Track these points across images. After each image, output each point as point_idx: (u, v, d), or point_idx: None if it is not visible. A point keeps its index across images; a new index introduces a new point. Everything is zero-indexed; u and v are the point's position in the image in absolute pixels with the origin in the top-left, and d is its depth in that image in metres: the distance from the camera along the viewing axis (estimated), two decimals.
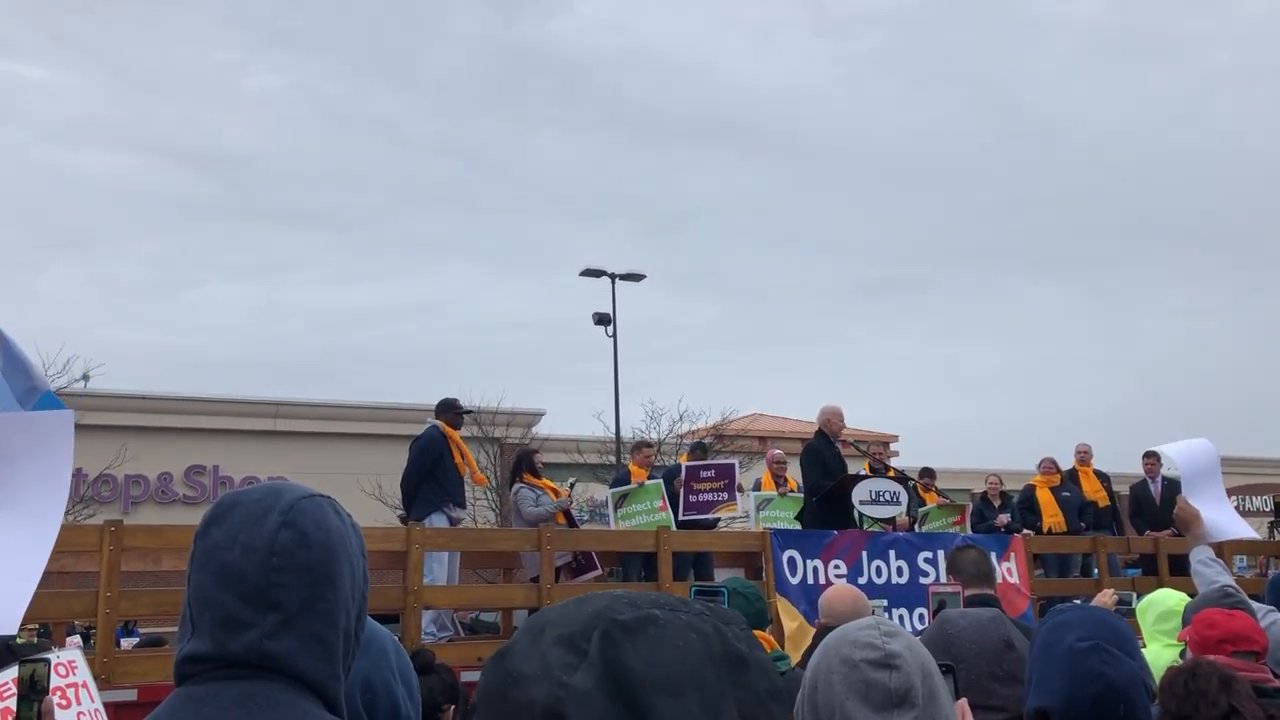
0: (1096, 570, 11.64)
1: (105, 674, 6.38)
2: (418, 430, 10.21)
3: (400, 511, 10.58)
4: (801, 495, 11.26)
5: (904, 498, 10.70)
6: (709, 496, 11.23)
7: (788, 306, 61.59)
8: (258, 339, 51.40)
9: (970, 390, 64.25)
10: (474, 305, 56.93)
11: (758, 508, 11.60)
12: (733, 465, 11.79)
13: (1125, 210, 66.22)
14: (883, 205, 64.43)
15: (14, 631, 3.86)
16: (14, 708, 2.52)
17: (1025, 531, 12.33)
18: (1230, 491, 6.50)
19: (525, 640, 1.00)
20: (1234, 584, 4.54)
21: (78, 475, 21.59)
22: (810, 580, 9.30)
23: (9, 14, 44.15)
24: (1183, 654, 4.10)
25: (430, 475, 9.70)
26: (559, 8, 61.52)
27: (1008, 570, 10.28)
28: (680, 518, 10.91)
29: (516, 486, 10.43)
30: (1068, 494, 12.93)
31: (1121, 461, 16.03)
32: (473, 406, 15.03)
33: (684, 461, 12.26)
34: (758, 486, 12.32)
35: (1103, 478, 13.62)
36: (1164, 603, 5.18)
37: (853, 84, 66.05)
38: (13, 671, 3.09)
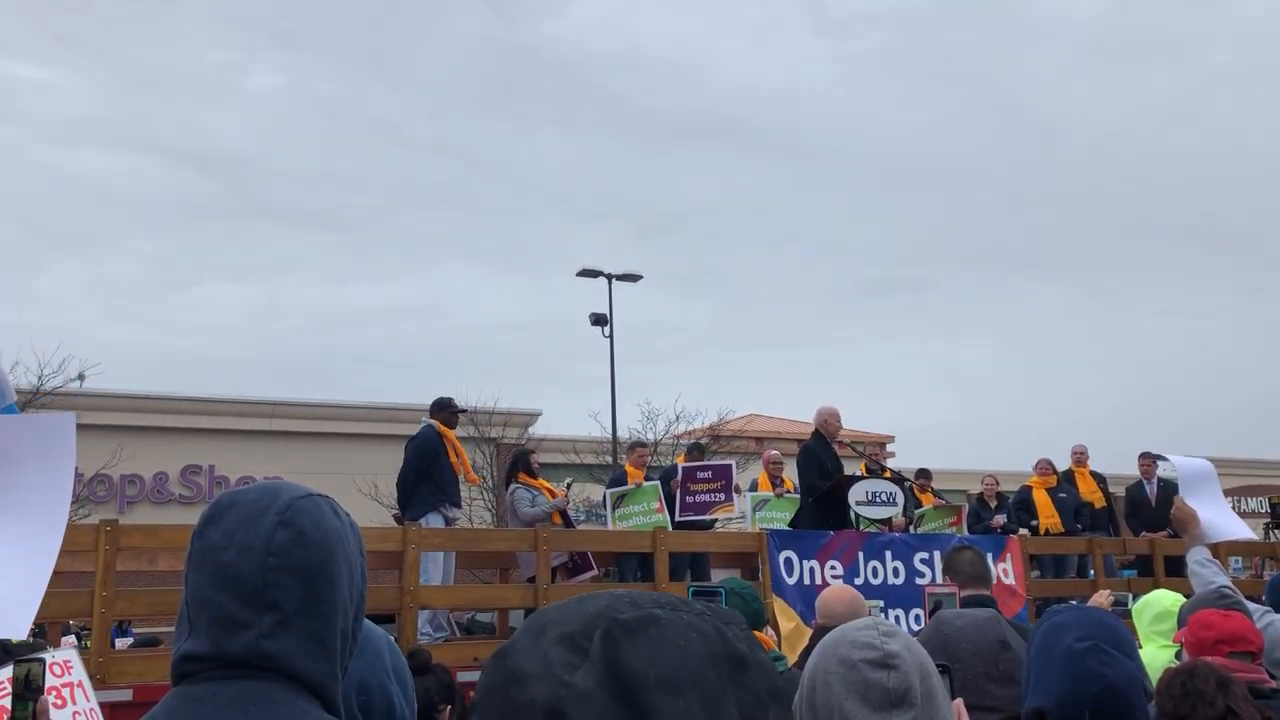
0: (1092, 571, 11.65)
1: (101, 674, 6.37)
2: (414, 430, 10.19)
3: (395, 511, 10.57)
4: (798, 496, 11.26)
5: (900, 499, 10.70)
6: (706, 497, 11.23)
7: (785, 307, 61.69)
8: (257, 339, 51.42)
9: (967, 391, 64.39)
10: (472, 305, 57.00)
11: (754, 508, 11.61)
12: (729, 466, 11.79)
13: (1125, 210, 66.40)
14: (882, 205, 64.55)
15: (24, 637, 3.85)
16: (9, 707, 2.51)
17: (1022, 531, 12.34)
18: (1227, 493, 6.52)
19: (526, 639, 1.00)
20: (1231, 585, 4.54)
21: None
22: (806, 581, 9.30)
23: (8, 14, 44.12)
24: (1178, 655, 4.11)
25: (426, 475, 9.69)
26: (558, 8, 61.56)
27: (1004, 571, 10.28)
28: (677, 518, 10.91)
29: (513, 487, 10.43)
30: (1064, 495, 12.95)
31: (1120, 462, 16.06)
32: (468, 406, 15.02)
33: (681, 462, 12.26)
34: (754, 487, 12.33)
35: (1099, 479, 13.64)
36: (1160, 603, 5.19)
37: (852, 84, 66.15)
38: (8, 671, 3.09)
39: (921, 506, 12.57)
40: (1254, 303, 65.65)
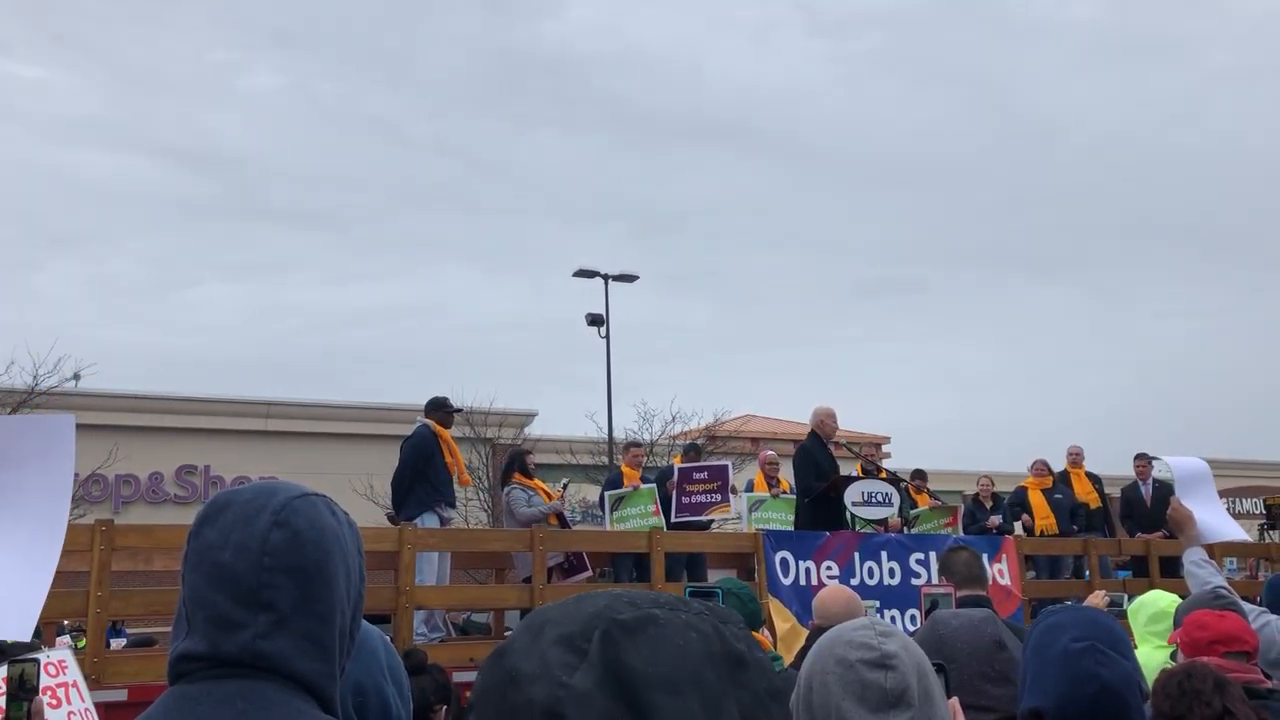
0: (1088, 572, 11.66)
1: (96, 674, 6.35)
2: (409, 430, 10.17)
3: (389, 510, 10.55)
4: (794, 496, 11.26)
5: (896, 499, 10.70)
6: (702, 498, 11.24)
7: (783, 307, 61.77)
8: (255, 339, 51.41)
9: (963, 391, 64.48)
10: (470, 306, 57.03)
11: (750, 509, 11.61)
12: (726, 467, 11.80)
13: (1123, 211, 66.53)
14: (880, 206, 64.65)
15: (27, 638, 3.85)
16: (3, 707, 2.50)
17: (1018, 531, 12.34)
18: (1222, 494, 6.54)
19: (524, 638, 1.00)
20: (1226, 585, 4.54)
21: None
22: (803, 581, 9.30)
23: (7, 13, 44.08)
24: (1173, 655, 4.11)
25: (422, 475, 9.67)
26: (556, 9, 61.57)
27: (999, 572, 10.29)
28: (673, 519, 10.92)
29: (509, 487, 10.42)
30: (1059, 496, 12.96)
31: (1116, 463, 16.06)
32: (464, 406, 15.00)
33: (678, 463, 12.26)
34: (750, 488, 12.33)
35: (1094, 479, 13.66)
36: (1155, 604, 5.19)
37: (850, 84, 66.24)
38: (2, 670, 3.08)
39: (917, 507, 12.58)
40: (1253, 303, 65.83)
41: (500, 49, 58.00)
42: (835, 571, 9.48)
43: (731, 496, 11.46)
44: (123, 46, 51.66)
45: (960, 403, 63.48)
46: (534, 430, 30.85)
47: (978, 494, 13.69)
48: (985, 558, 9.26)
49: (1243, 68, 66.93)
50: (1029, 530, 12.85)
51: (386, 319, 53.24)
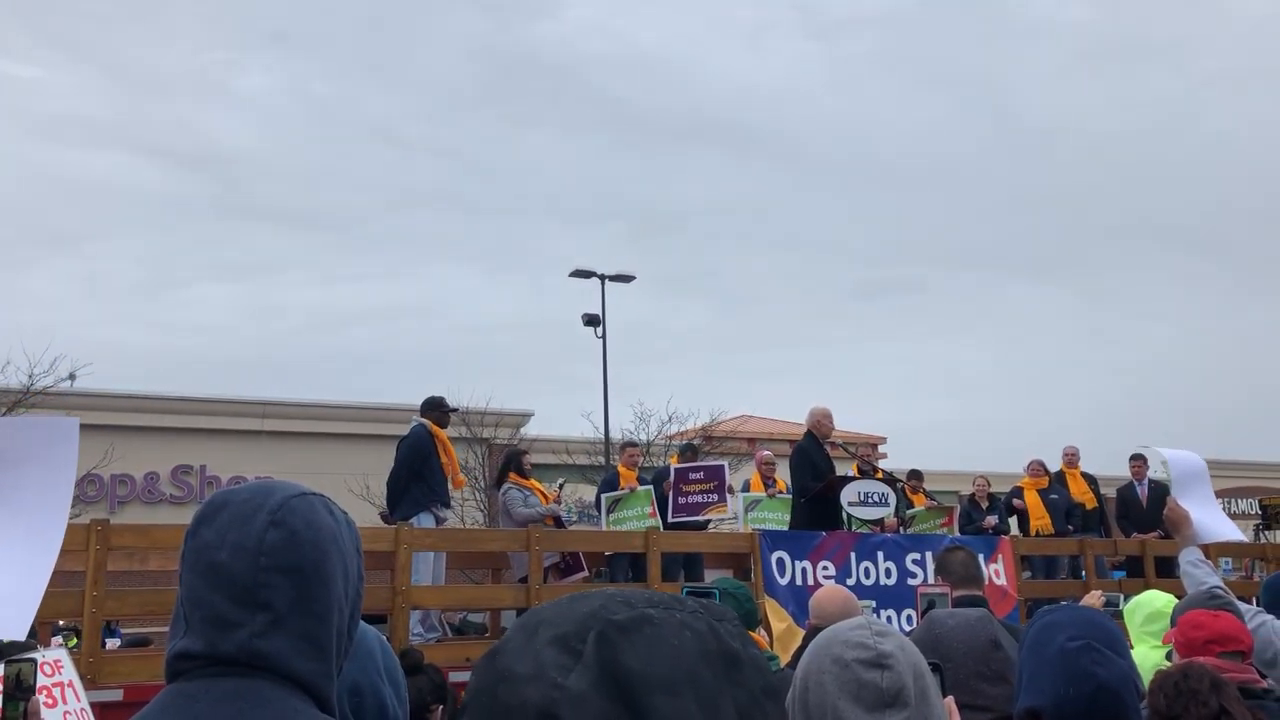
0: (1084, 572, 11.68)
1: (91, 674, 6.35)
2: (404, 430, 10.16)
3: (382, 510, 10.54)
4: (790, 496, 11.27)
5: (892, 499, 10.71)
6: (699, 498, 11.24)
7: (780, 308, 61.76)
8: (251, 339, 51.34)
9: (959, 392, 64.51)
10: (467, 306, 56.99)
11: (746, 509, 11.61)
12: (722, 467, 11.80)
13: (1118, 213, 66.59)
14: (878, 207, 64.72)
15: (22, 637, 3.85)
16: (0, 706, 2.50)
17: (1012, 532, 12.35)
18: (1218, 494, 6.53)
19: (519, 639, 1.00)
20: (1222, 585, 4.55)
21: None
22: (799, 581, 9.31)
23: (3, 13, 44.01)
24: (1169, 655, 4.12)
25: (418, 475, 9.65)
26: (553, 9, 61.56)
27: (995, 572, 10.30)
28: (670, 519, 10.92)
29: (505, 487, 10.42)
30: (1055, 496, 12.97)
31: (1112, 464, 16.07)
32: (459, 406, 15.00)
33: (674, 463, 12.26)
34: (746, 488, 12.34)
35: (1090, 480, 13.67)
36: (1152, 604, 5.19)
37: (847, 86, 66.29)
38: None
39: (913, 507, 12.59)
40: (1246, 305, 65.98)
41: (498, 49, 58.03)
42: (831, 571, 9.49)
43: (728, 496, 11.47)
44: (119, 46, 51.69)
45: (956, 403, 63.62)
46: (530, 430, 30.85)
47: (974, 494, 13.70)
48: (981, 558, 9.32)
49: (1236, 71, 67.10)
50: (1021, 516, 12.90)
51: (383, 319, 53.27)
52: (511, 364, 51.59)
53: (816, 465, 10.72)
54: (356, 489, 21.83)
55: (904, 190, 65.32)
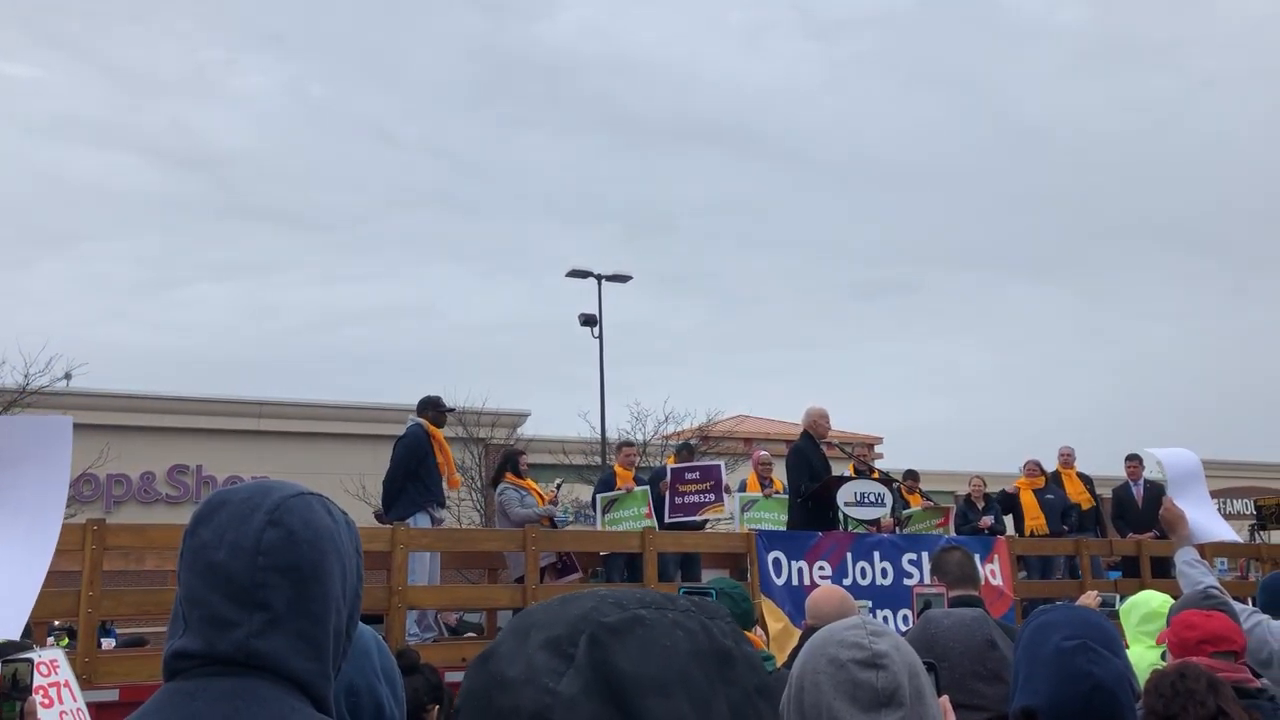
0: (1080, 572, 11.69)
1: (87, 674, 6.34)
2: (400, 430, 10.15)
3: (377, 509, 10.52)
4: (786, 496, 11.27)
5: (888, 499, 10.72)
6: (695, 498, 11.24)
7: (777, 309, 61.79)
8: (246, 339, 51.31)
9: (956, 392, 64.55)
10: (464, 306, 56.97)
11: (743, 509, 11.61)
12: (719, 467, 11.79)
13: (1114, 213, 66.67)
14: (875, 207, 64.78)
15: (17, 636, 3.85)
16: None
17: (1008, 532, 12.36)
18: (1213, 494, 6.54)
19: (510, 642, 1.00)
20: (1218, 585, 4.56)
21: None
22: (795, 581, 9.31)
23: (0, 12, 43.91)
24: (1164, 655, 4.12)
25: (415, 475, 9.64)
26: (548, 10, 61.54)
27: (991, 572, 10.31)
28: (667, 519, 10.91)
29: (501, 486, 10.41)
30: (1051, 496, 12.99)
31: (1108, 464, 16.10)
32: (456, 406, 14.99)
33: (670, 463, 12.26)
34: (743, 488, 12.34)
35: (1085, 480, 13.69)
36: (1148, 604, 5.20)
37: (844, 87, 66.31)
38: None
39: (909, 507, 12.60)
40: (1241, 305, 66.05)
41: (495, 50, 58.02)
42: (828, 571, 9.49)
43: (725, 496, 11.46)
44: (115, 46, 51.60)
45: (954, 403, 63.67)
46: (526, 430, 30.82)
47: (970, 494, 13.72)
48: (977, 558, 9.32)
49: (1236, 70, 67.19)
50: (1016, 514, 12.93)
51: (380, 319, 53.24)
52: (508, 364, 51.65)
53: (813, 465, 10.73)
54: (353, 489, 21.82)
55: (903, 190, 65.44)
